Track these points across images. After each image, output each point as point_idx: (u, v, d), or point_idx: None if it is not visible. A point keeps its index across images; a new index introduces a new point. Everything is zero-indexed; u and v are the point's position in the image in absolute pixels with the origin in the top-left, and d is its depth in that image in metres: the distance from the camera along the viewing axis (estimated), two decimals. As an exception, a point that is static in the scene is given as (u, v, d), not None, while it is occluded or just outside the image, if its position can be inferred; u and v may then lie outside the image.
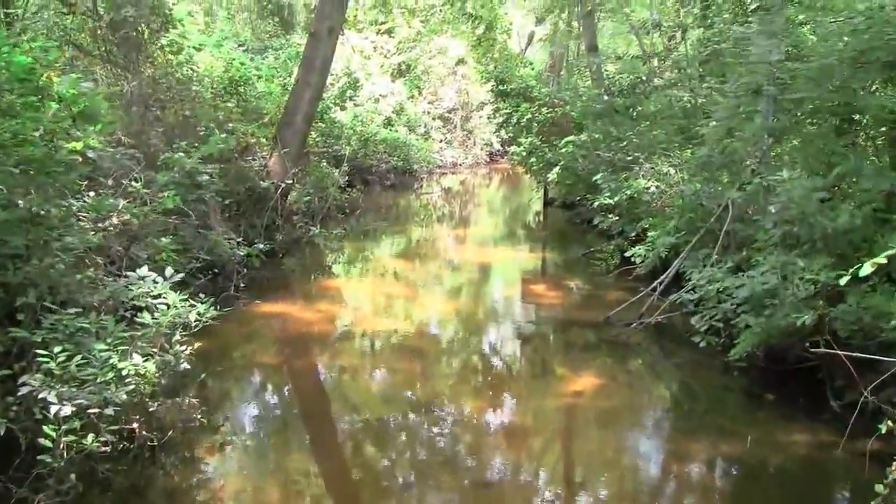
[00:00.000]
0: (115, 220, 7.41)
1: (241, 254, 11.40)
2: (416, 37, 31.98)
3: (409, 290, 12.58)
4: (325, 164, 18.20)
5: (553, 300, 11.97)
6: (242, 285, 11.49)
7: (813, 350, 7.29)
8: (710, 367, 8.65)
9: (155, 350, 6.30)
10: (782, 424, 7.28)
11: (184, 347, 6.55)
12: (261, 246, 12.20)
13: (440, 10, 27.40)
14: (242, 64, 18.83)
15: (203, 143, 10.93)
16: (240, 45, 28.26)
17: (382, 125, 28.47)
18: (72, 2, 12.61)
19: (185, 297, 6.91)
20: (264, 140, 15.17)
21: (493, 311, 11.79)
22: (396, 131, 29.05)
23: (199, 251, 10.73)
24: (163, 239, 8.28)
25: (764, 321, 7.55)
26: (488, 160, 36.12)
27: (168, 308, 6.56)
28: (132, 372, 5.86)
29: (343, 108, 22.56)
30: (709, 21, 13.23)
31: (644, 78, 14.69)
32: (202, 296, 7.48)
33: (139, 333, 6.21)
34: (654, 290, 10.61)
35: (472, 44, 29.21)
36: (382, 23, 32.53)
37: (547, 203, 21.36)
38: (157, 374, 6.17)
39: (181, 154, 10.17)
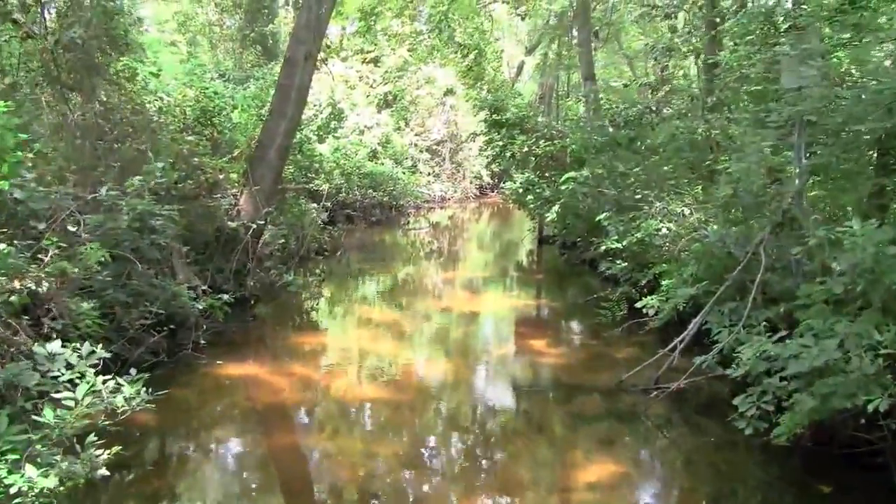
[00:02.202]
0: (16, 284, 5.95)
1: (200, 307, 9.96)
2: (403, 66, 30.85)
3: (392, 347, 11.08)
4: (303, 200, 16.83)
5: (555, 359, 10.52)
6: (203, 342, 10.07)
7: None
8: (747, 447, 7.24)
9: (58, 458, 4.86)
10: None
11: (100, 452, 5.10)
12: (225, 296, 10.82)
13: (428, 37, 26.21)
14: (216, 93, 17.54)
15: (155, 179, 9.54)
16: (221, 76, 27.11)
17: (367, 158, 27.23)
18: (19, 21, 11.26)
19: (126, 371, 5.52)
20: (235, 176, 13.81)
21: (488, 375, 10.23)
22: (382, 164, 27.83)
23: (154, 303, 9.34)
24: (83, 304, 6.83)
25: (819, 402, 6.19)
26: (478, 194, 35.03)
27: (79, 400, 5.13)
28: (25, 489, 4.44)
29: (322, 141, 21.23)
30: (729, 46, 11.98)
31: (654, 108, 13.40)
32: (155, 357, 6.04)
33: (37, 436, 4.78)
34: (674, 348, 9.23)
35: (461, 72, 28.02)
36: (368, 52, 31.39)
37: (542, 241, 20.07)
38: (60, 489, 4.74)
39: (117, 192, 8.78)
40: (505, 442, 7.88)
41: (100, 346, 7.51)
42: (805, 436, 7.01)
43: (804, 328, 6.97)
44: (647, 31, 23.49)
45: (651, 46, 14.32)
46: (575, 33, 33.46)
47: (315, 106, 27.21)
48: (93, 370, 5.56)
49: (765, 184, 8.98)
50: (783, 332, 7.74)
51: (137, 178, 9.36)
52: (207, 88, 17.36)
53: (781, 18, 9.29)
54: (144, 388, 5.88)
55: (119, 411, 5.51)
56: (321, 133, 22.15)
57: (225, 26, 35.03)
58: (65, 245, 8.12)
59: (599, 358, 10.38)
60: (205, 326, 10.50)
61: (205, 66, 24.36)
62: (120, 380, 5.67)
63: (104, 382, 5.52)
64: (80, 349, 5.79)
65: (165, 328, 9.46)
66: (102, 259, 7.38)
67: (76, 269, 7.27)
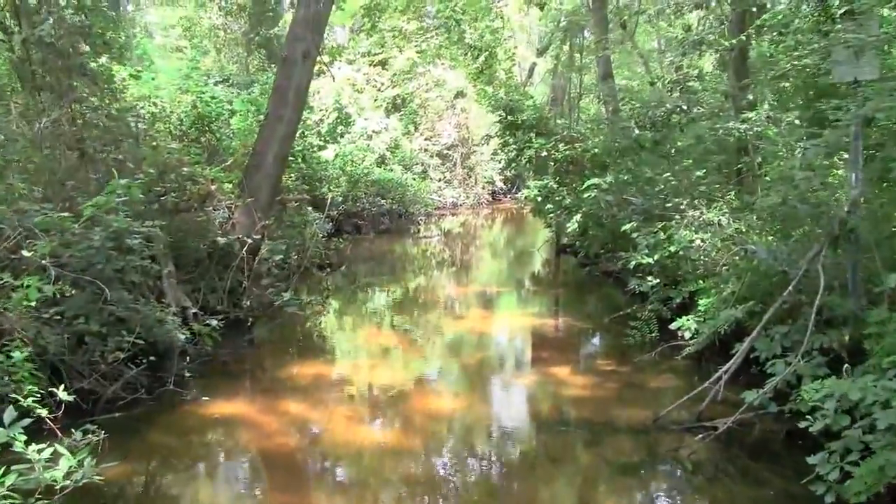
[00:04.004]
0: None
1: (183, 337, 8.91)
2: (412, 67, 29.79)
3: (398, 378, 9.89)
4: (305, 211, 15.77)
5: (580, 389, 9.34)
6: (189, 374, 9.03)
7: None
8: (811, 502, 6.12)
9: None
10: None
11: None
12: (214, 322, 9.80)
13: (436, 35, 25.22)
14: (213, 98, 16.56)
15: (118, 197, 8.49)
16: (225, 80, 26.24)
17: (375, 164, 26.19)
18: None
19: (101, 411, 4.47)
20: (230, 186, 12.78)
21: (505, 412, 8.95)
22: (391, 170, 26.79)
23: (134, 331, 8.33)
24: (15, 353, 5.77)
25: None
26: (491, 199, 33.95)
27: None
28: None
29: (323, 148, 20.20)
30: (764, 39, 10.86)
31: (685, 107, 12.26)
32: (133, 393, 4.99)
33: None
34: (718, 379, 8.12)
35: (472, 74, 27.00)
36: (376, 54, 30.37)
37: (559, 251, 18.96)
38: None
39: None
40: (524, 497, 6.75)
41: (62, 387, 6.60)
42: (886, 499, 5.90)
43: (887, 362, 5.86)
44: (661, 29, 22.45)
45: (681, 40, 13.17)
46: (588, 34, 32.60)
47: (321, 110, 26.28)
48: (23, 438, 4.50)
49: (824, 192, 7.87)
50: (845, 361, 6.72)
51: (107, 192, 8.30)
52: (204, 93, 16.40)
53: (837, 2, 8.15)
54: (105, 438, 4.85)
55: (58, 487, 4.46)
56: (327, 138, 21.17)
57: (230, 30, 34.23)
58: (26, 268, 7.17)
59: (631, 388, 9.22)
60: (191, 356, 9.50)
61: (201, 70, 23.49)
62: (60, 447, 4.60)
63: (40, 451, 4.46)
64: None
65: (146, 359, 8.47)
66: (54, 292, 6.31)
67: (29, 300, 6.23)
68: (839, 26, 7.76)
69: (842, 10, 8.00)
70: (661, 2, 15.43)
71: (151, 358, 8.51)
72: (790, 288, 8.00)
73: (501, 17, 25.47)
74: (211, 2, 34.61)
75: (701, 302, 9.73)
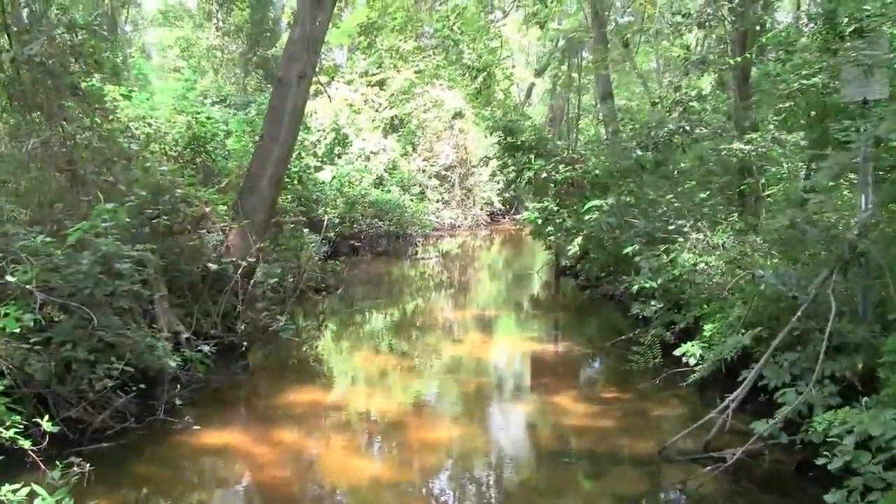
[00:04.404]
0: None
1: (174, 364, 8.65)
2: (410, 88, 29.66)
3: (395, 405, 9.59)
4: (302, 232, 15.53)
5: (582, 418, 9.03)
6: (181, 402, 8.76)
7: None
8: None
9: None
10: None
11: None
12: (206, 348, 9.55)
13: (433, 54, 25.09)
14: (209, 118, 16.41)
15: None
16: (222, 100, 26.13)
17: (373, 185, 26.00)
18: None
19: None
20: (225, 208, 12.57)
21: (505, 442, 8.55)
22: (388, 191, 26.59)
23: (124, 357, 8.09)
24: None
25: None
26: (489, 220, 33.77)
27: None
28: None
29: (319, 169, 20.02)
30: (767, 58, 10.67)
31: (689, 127, 12.05)
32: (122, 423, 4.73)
33: None
34: (725, 407, 7.86)
35: (470, 95, 26.88)
36: (373, 74, 30.26)
37: (559, 273, 18.71)
38: None
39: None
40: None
41: (46, 417, 6.39)
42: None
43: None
44: (662, 49, 22.33)
45: (684, 59, 12.98)
46: (586, 54, 32.51)
47: (319, 131, 26.14)
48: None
49: (833, 215, 7.65)
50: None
51: (93, 215, 8.07)
52: (199, 113, 16.25)
53: (846, 20, 7.95)
54: (91, 470, 4.59)
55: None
56: (324, 159, 21.00)
57: (227, 51, 34.22)
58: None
59: (634, 416, 8.94)
60: (183, 383, 9.23)
61: (198, 90, 23.36)
62: (37, 487, 4.34)
63: (14, 492, 4.21)
64: None
65: (136, 387, 8.22)
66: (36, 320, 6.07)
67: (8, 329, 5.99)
68: (848, 44, 7.56)
69: (850, 29, 7.81)
70: (661, 21, 15.25)
71: (141, 385, 8.26)
72: (799, 314, 7.78)
73: (500, 37, 25.34)
74: (208, 22, 34.64)
75: (706, 327, 9.49)
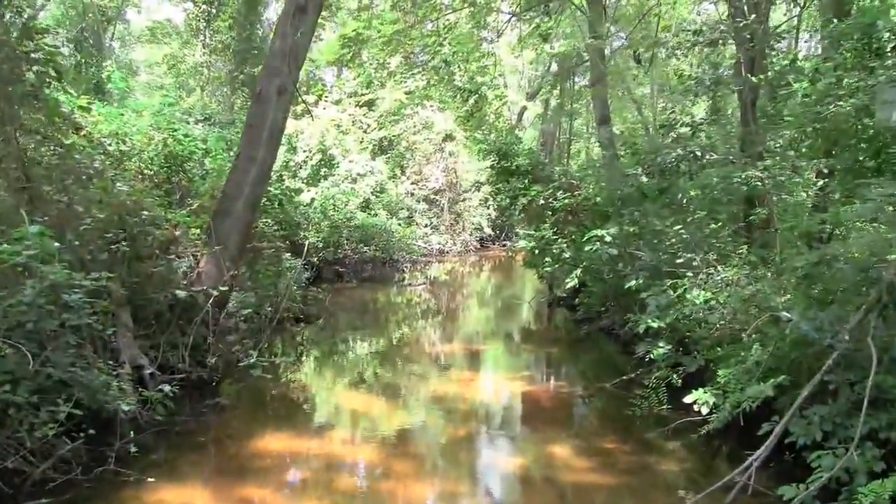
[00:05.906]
0: None
1: (126, 408, 7.72)
2: (399, 109, 28.93)
3: (375, 453, 8.58)
4: (282, 258, 14.63)
5: (582, 473, 8.02)
6: (135, 450, 7.81)
7: None
8: None
9: None
10: None
11: None
12: (166, 388, 8.63)
13: (423, 73, 24.37)
14: (186, 136, 15.57)
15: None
16: (206, 118, 25.37)
17: (359, 208, 25.18)
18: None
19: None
20: (197, 232, 11.69)
21: (499, 500, 7.80)
22: (375, 215, 25.76)
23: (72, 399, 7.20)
24: None
25: None
26: (479, 246, 33.03)
27: None
28: None
29: (300, 191, 19.17)
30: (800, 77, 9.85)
31: (699, 153, 11.23)
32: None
33: None
34: (748, 467, 7.00)
35: (461, 118, 26.16)
36: (362, 94, 29.52)
37: (552, 304, 17.87)
38: None
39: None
40: None
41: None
42: None
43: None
44: (669, 65, 21.66)
45: (695, 79, 12.21)
46: (578, 78, 31.85)
47: (304, 151, 25.34)
48: None
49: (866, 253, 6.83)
50: None
51: (13, 238, 7.16)
52: (176, 130, 15.40)
53: (887, 35, 7.15)
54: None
55: None
56: (309, 181, 20.18)
57: (214, 68, 33.55)
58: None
59: (643, 473, 8.00)
60: (143, 425, 8.32)
61: (182, 107, 22.55)
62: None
63: None
64: None
65: (85, 432, 7.32)
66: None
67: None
68: (890, 62, 6.77)
69: (892, 45, 7.03)
70: (670, 38, 14.53)
71: (91, 431, 7.35)
72: (829, 362, 6.96)
73: (493, 55, 24.62)
74: (196, 39, 34.00)
75: (720, 372, 8.60)
